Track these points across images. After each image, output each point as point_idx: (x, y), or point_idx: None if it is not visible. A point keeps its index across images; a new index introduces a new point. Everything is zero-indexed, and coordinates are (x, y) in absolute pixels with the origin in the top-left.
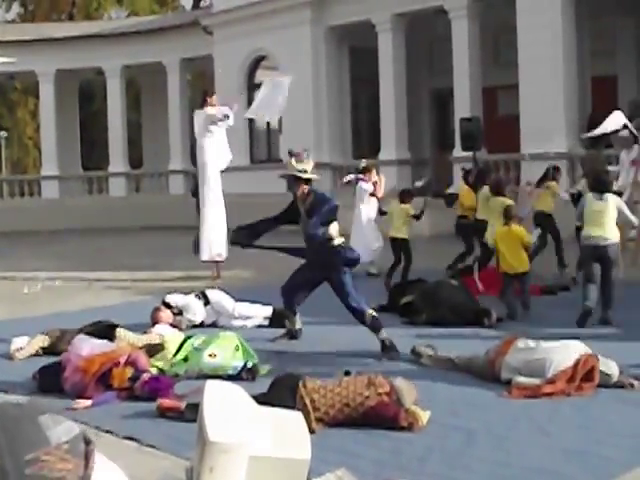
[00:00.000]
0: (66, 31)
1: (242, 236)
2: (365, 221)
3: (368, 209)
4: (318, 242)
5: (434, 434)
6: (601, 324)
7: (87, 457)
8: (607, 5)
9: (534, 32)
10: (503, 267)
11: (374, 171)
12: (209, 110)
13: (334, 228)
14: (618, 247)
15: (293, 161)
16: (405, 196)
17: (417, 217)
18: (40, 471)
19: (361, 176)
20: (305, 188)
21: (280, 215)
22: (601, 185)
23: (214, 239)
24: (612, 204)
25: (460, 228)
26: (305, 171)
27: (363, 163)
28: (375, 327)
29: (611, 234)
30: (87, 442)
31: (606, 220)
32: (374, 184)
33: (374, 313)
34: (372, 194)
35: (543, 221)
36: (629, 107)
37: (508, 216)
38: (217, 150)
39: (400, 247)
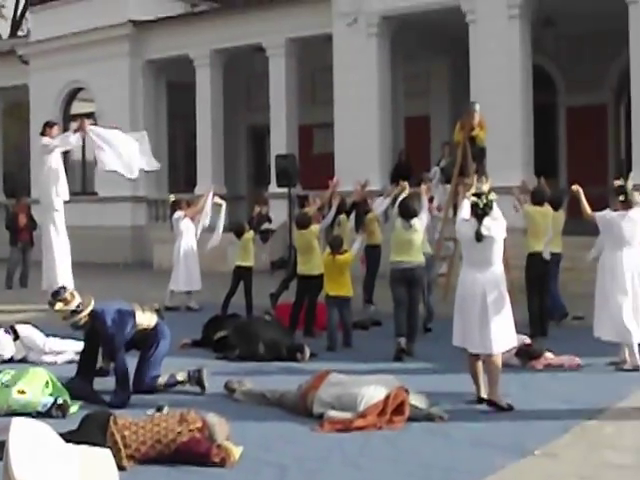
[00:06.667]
0: None
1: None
2: (184, 252)
3: (187, 240)
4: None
5: (246, 469)
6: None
7: None
8: (421, 50)
9: (349, 72)
10: (328, 290)
11: (184, 204)
12: (43, 140)
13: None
14: (424, 270)
15: (59, 306)
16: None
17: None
18: None
19: None
20: (84, 318)
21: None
22: (409, 211)
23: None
24: (420, 230)
25: None
26: (76, 310)
27: (172, 197)
28: (170, 386)
29: (418, 257)
30: None
31: (414, 247)
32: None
33: (162, 381)
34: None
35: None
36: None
37: (334, 245)
38: (54, 180)
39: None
